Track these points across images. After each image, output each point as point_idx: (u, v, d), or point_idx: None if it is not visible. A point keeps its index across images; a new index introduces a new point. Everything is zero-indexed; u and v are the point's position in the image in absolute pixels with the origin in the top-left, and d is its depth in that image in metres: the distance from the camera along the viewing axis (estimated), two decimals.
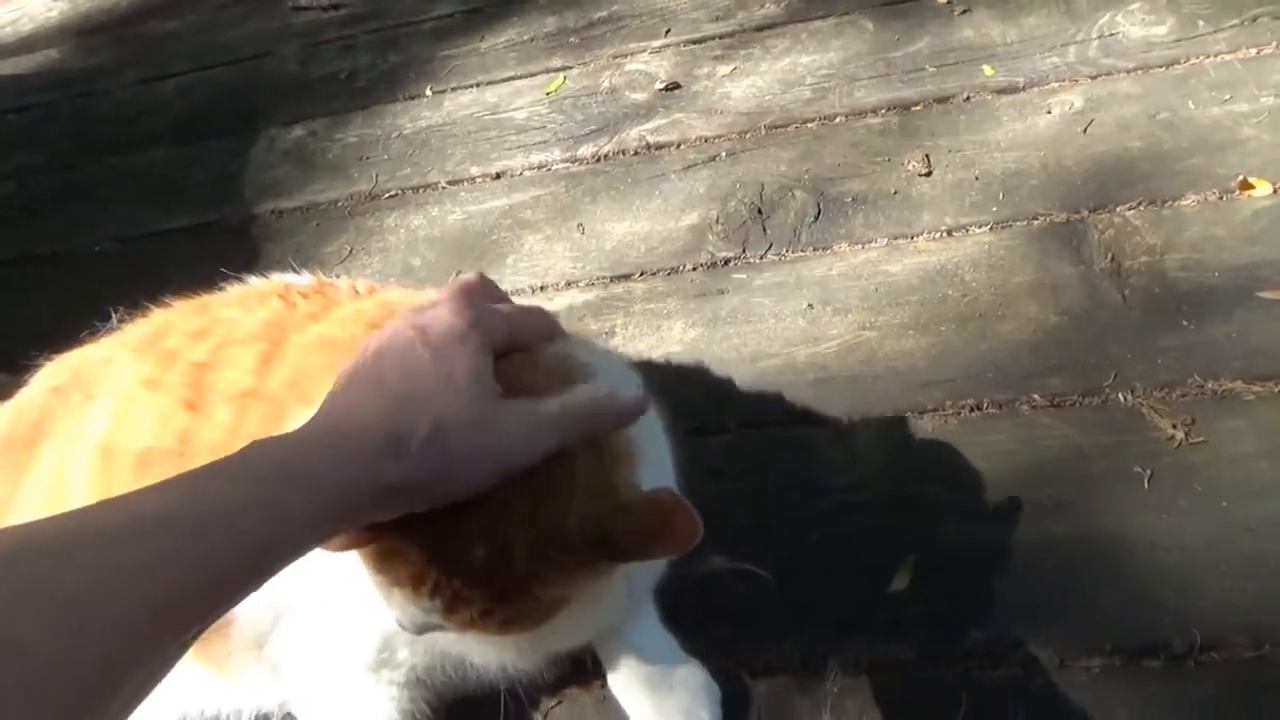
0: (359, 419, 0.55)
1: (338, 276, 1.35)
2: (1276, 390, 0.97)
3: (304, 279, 1.04)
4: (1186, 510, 0.92)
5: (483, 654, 0.79)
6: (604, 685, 0.90)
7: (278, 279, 1.05)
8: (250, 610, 0.82)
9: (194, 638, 0.49)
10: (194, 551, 0.47)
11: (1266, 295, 1.04)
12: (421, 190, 1.51)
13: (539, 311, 0.69)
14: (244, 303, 0.98)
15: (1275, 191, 1.12)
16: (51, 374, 1.00)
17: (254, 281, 1.05)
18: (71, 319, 1.28)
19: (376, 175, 1.55)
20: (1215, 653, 0.84)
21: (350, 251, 1.45)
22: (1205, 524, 0.91)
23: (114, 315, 1.04)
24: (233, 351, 0.89)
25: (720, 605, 0.95)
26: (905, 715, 0.86)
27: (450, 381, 0.55)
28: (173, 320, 0.98)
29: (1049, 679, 0.85)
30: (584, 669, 0.91)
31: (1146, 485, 0.94)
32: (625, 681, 0.88)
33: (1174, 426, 0.97)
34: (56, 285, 1.53)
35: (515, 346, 0.63)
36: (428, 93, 1.67)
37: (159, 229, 1.58)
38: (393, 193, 1.52)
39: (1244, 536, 0.89)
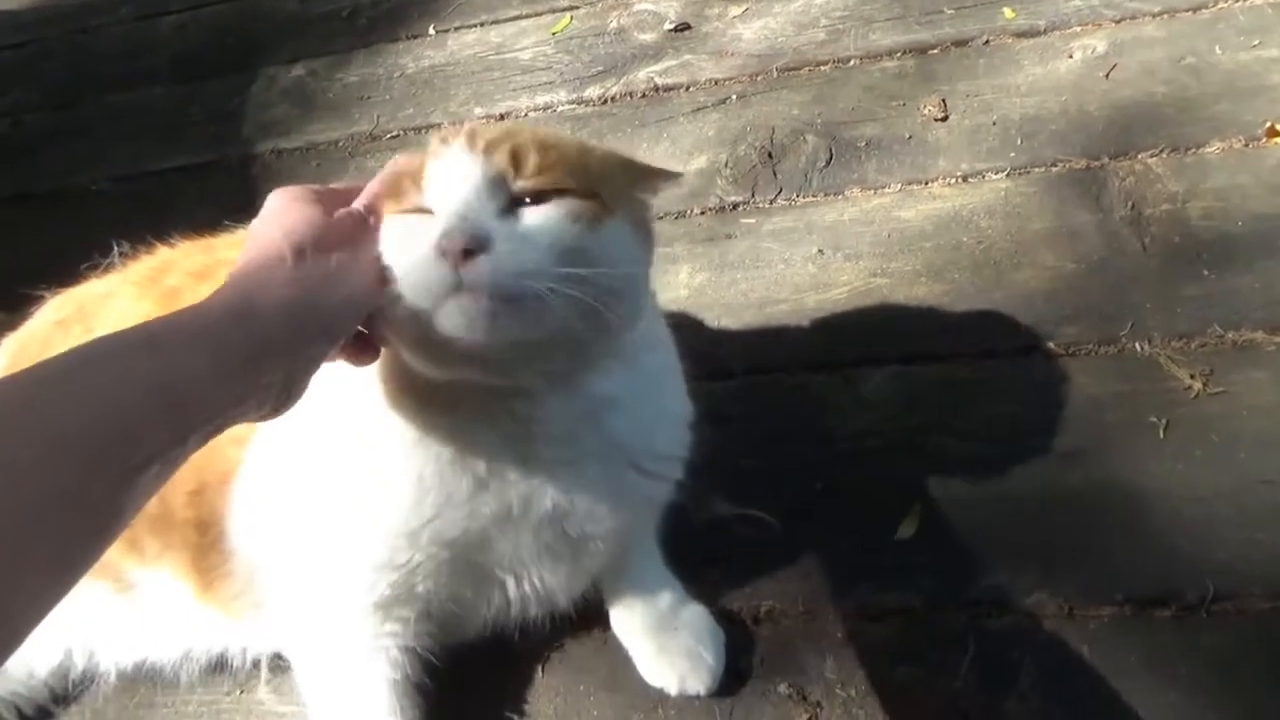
0: (240, 285, 0.57)
1: None
2: None
3: None
4: (1202, 461, 0.90)
5: (516, 561, 0.77)
6: (606, 630, 0.89)
7: None
8: (247, 545, 0.81)
9: (121, 499, 0.49)
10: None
11: None
12: (424, 131, 1.48)
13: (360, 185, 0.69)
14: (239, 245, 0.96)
15: None
16: (56, 307, 0.99)
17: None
18: (72, 258, 1.25)
19: (378, 116, 1.52)
20: (1228, 603, 0.82)
21: None
22: (1221, 475, 0.89)
23: (115, 249, 1.01)
24: None
25: (724, 549, 0.93)
26: (910, 661, 0.84)
27: (293, 221, 0.59)
28: (176, 259, 0.96)
29: (1058, 627, 0.84)
30: (585, 618, 0.89)
31: (1162, 435, 0.92)
32: (629, 623, 0.87)
33: (1192, 376, 0.95)
34: (55, 224, 1.51)
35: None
36: (431, 31, 1.63)
37: (158, 168, 1.55)
38: (395, 133, 1.49)
39: (1261, 488, 0.87)
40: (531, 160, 0.60)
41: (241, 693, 0.94)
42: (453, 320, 0.58)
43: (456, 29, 1.62)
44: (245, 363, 0.55)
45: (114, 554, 0.85)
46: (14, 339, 0.99)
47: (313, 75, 1.64)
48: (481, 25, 1.61)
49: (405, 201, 0.62)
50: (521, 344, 0.61)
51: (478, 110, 1.47)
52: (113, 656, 0.92)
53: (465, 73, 1.54)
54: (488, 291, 0.57)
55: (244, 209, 1.45)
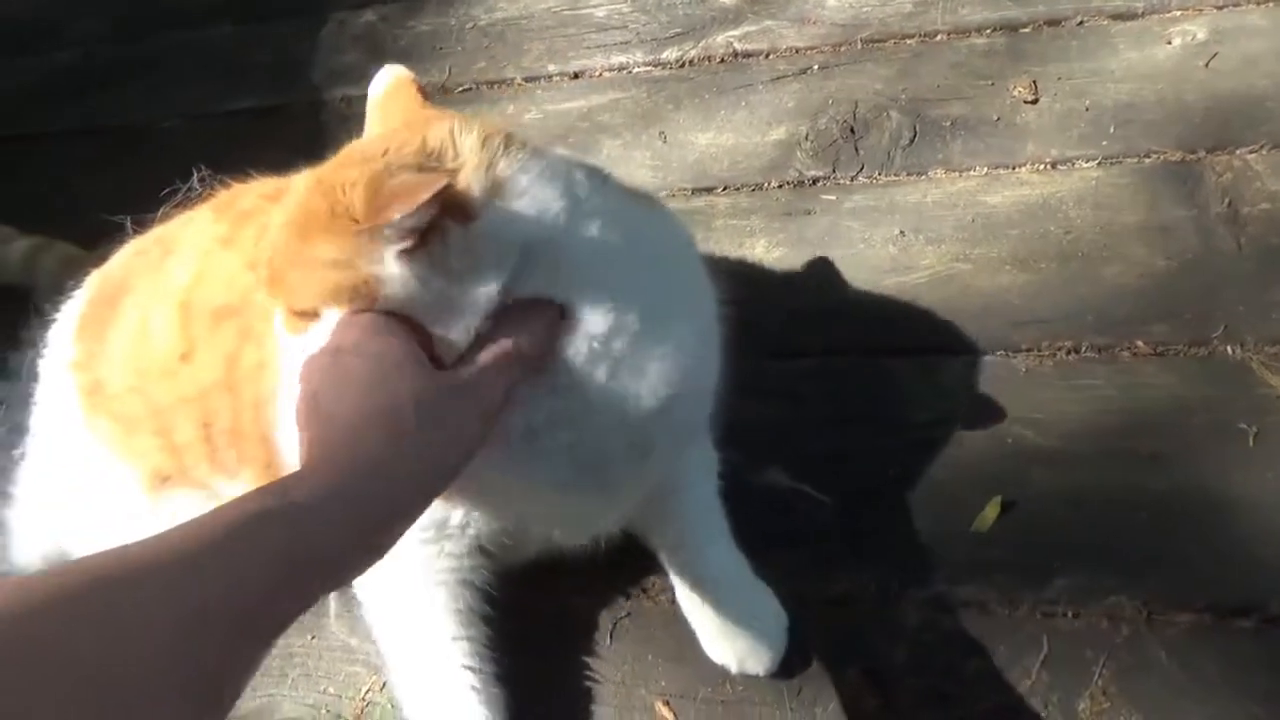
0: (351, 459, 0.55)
1: None
2: None
3: None
4: None
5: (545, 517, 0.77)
6: (674, 602, 0.90)
7: None
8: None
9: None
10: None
11: None
12: (496, 86, 1.46)
13: None
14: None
15: None
16: (136, 244, 1.00)
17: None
18: (147, 194, 1.26)
19: (450, 67, 1.50)
20: None
21: None
22: None
23: (195, 175, 1.01)
24: None
25: (794, 532, 0.93)
26: (982, 655, 0.84)
27: (400, 371, 0.58)
28: (252, 187, 0.97)
29: (1135, 630, 0.83)
30: (653, 587, 0.90)
31: (1251, 443, 0.91)
32: (694, 599, 0.88)
33: None
34: (125, 160, 1.51)
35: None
36: None
37: (226, 109, 1.55)
38: (466, 87, 1.47)
39: None
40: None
41: (313, 638, 0.96)
42: None
43: None
44: (375, 538, 0.55)
45: (203, 470, 0.87)
46: (97, 274, 1.01)
47: (384, 21, 1.61)
48: None
49: None
50: None
51: (551, 67, 1.45)
52: None
53: (539, 27, 1.51)
54: None
55: (313, 155, 1.45)
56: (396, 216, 0.57)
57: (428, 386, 0.58)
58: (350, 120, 1.47)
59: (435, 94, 1.47)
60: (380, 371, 0.57)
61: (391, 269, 0.60)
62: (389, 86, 0.76)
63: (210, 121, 1.54)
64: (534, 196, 0.63)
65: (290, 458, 0.81)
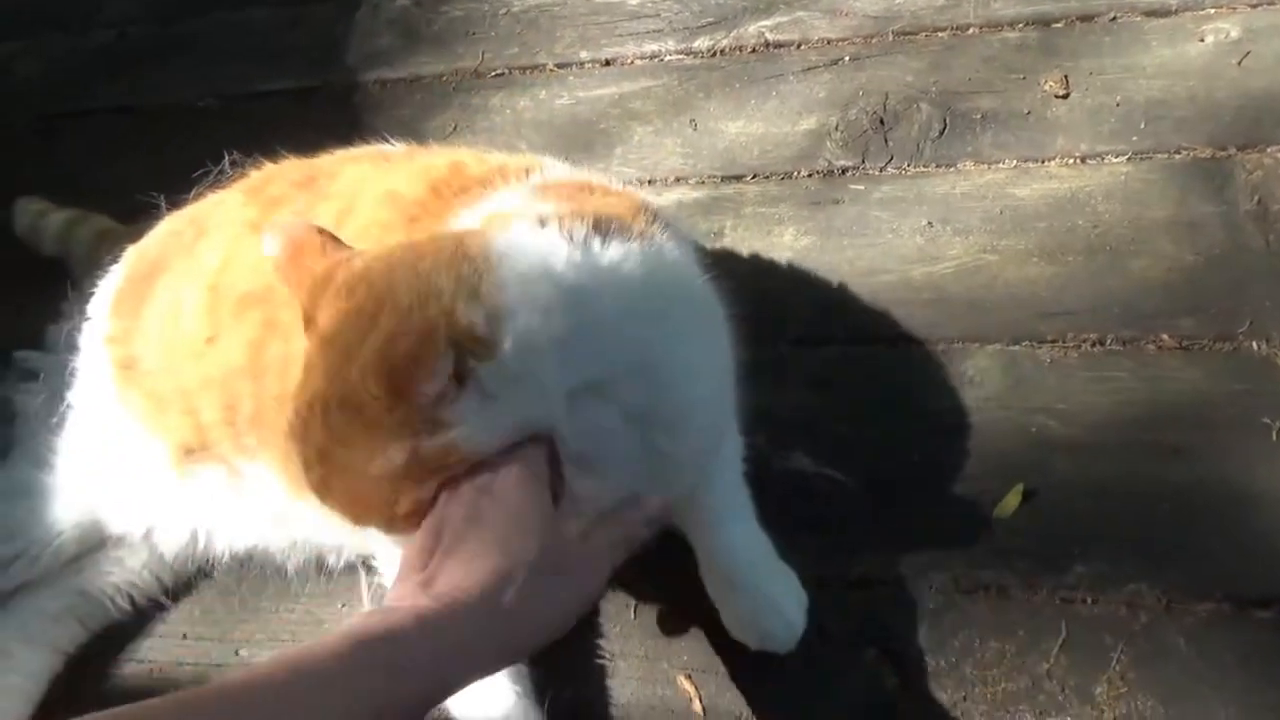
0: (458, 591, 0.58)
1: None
2: None
3: (395, 146, 1.06)
4: None
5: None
6: (696, 579, 0.91)
7: (372, 146, 1.05)
8: None
9: None
10: None
11: None
12: (529, 71, 1.47)
13: None
14: (343, 162, 1.00)
15: None
16: (171, 222, 1.02)
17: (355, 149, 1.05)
18: (182, 172, 1.28)
19: (483, 52, 1.52)
20: None
21: (454, 129, 1.42)
22: None
23: (226, 158, 1.03)
24: (320, 207, 0.91)
25: (817, 516, 0.95)
26: (1001, 637, 0.86)
27: (531, 532, 0.60)
28: (281, 171, 1.00)
29: (1153, 618, 0.84)
30: (675, 564, 0.91)
31: (1274, 437, 0.91)
32: (718, 577, 0.89)
33: None
34: (162, 139, 1.53)
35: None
36: None
37: (262, 89, 1.57)
38: (499, 72, 1.49)
39: None
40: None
41: (343, 606, 0.98)
42: None
43: None
44: (458, 684, 0.59)
45: (226, 446, 0.89)
46: (133, 250, 1.04)
47: (417, 6, 1.63)
48: None
49: None
50: None
51: (583, 54, 1.46)
52: (227, 539, 0.97)
53: (571, 14, 1.53)
54: None
55: (347, 137, 1.47)
56: (424, 386, 0.59)
57: (549, 551, 0.60)
58: (383, 103, 1.50)
59: (468, 78, 1.49)
60: (508, 528, 0.60)
61: (455, 425, 0.61)
62: (290, 246, 0.69)
63: (245, 102, 1.56)
64: (530, 303, 0.63)
65: None
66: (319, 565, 0.97)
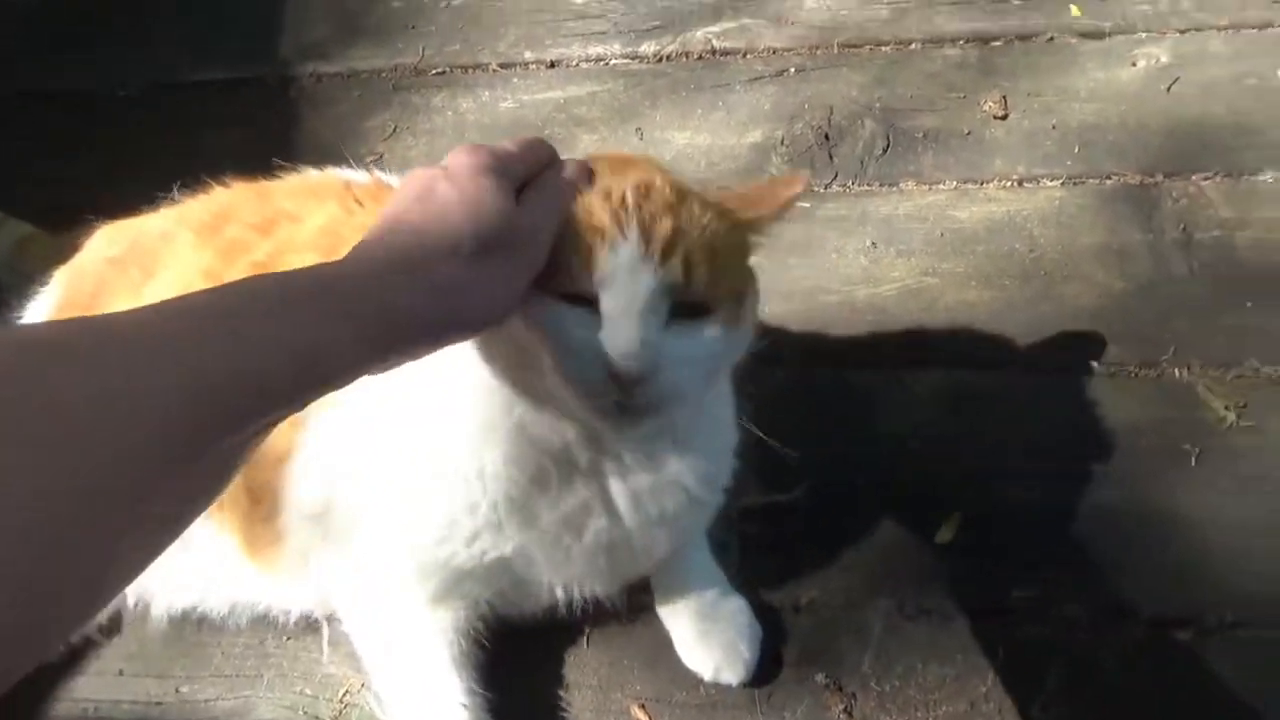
0: (399, 240, 0.55)
1: (381, 161, 1.32)
2: None
3: (362, 176, 1.00)
4: (1230, 492, 0.95)
5: (566, 575, 0.80)
6: (650, 611, 0.93)
7: (337, 174, 1.00)
8: (301, 522, 0.83)
9: (233, 459, 0.47)
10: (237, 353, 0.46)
11: None
12: (471, 71, 1.45)
13: (541, 142, 0.67)
14: (305, 197, 0.94)
15: None
16: (107, 242, 0.97)
17: (312, 173, 1.00)
18: (105, 171, 1.23)
19: (423, 48, 1.48)
20: (1242, 630, 0.88)
21: (394, 130, 1.39)
22: (1248, 507, 0.94)
23: (174, 189, 0.99)
24: (289, 258, 0.86)
25: (767, 540, 0.97)
26: (942, 661, 0.89)
27: (477, 200, 0.57)
28: (235, 205, 0.94)
29: (1085, 640, 0.89)
30: (629, 596, 0.92)
31: (1194, 463, 0.97)
32: (673, 609, 0.91)
33: (1226, 408, 0.99)
34: (89, 127, 1.46)
35: (529, 178, 0.62)
36: None
37: (191, 79, 1.50)
38: (440, 69, 1.45)
39: (1278, 523, 0.92)
40: (701, 272, 0.59)
41: (288, 639, 0.97)
42: (601, 421, 0.61)
43: None
44: (388, 347, 0.53)
45: None
46: (67, 271, 0.98)
47: None
48: None
49: (570, 283, 0.59)
50: None
51: (528, 54, 1.44)
52: (165, 600, 0.94)
53: (515, 10, 1.50)
54: (647, 410, 0.59)
55: (281, 134, 1.43)
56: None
57: (495, 229, 0.56)
58: (319, 99, 1.46)
59: (409, 75, 1.46)
60: (461, 205, 0.56)
61: None
62: None
63: (176, 92, 1.49)
64: None
65: (299, 517, 0.82)
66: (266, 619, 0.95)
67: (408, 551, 0.80)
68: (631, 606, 0.93)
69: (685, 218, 0.60)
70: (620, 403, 0.59)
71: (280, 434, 0.81)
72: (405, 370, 0.76)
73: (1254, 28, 1.27)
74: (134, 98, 1.50)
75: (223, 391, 0.43)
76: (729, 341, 0.63)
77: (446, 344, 0.57)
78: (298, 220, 0.90)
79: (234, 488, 0.82)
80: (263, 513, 0.82)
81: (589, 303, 0.59)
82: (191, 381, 0.42)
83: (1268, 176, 1.14)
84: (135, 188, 1.01)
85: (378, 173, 0.99)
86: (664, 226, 0.59)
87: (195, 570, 0.89)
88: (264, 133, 1.42)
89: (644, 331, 0.58)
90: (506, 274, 0.57)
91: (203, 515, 0.84)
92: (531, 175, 0.61)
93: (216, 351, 0.44)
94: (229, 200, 0.95)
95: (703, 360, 0.61)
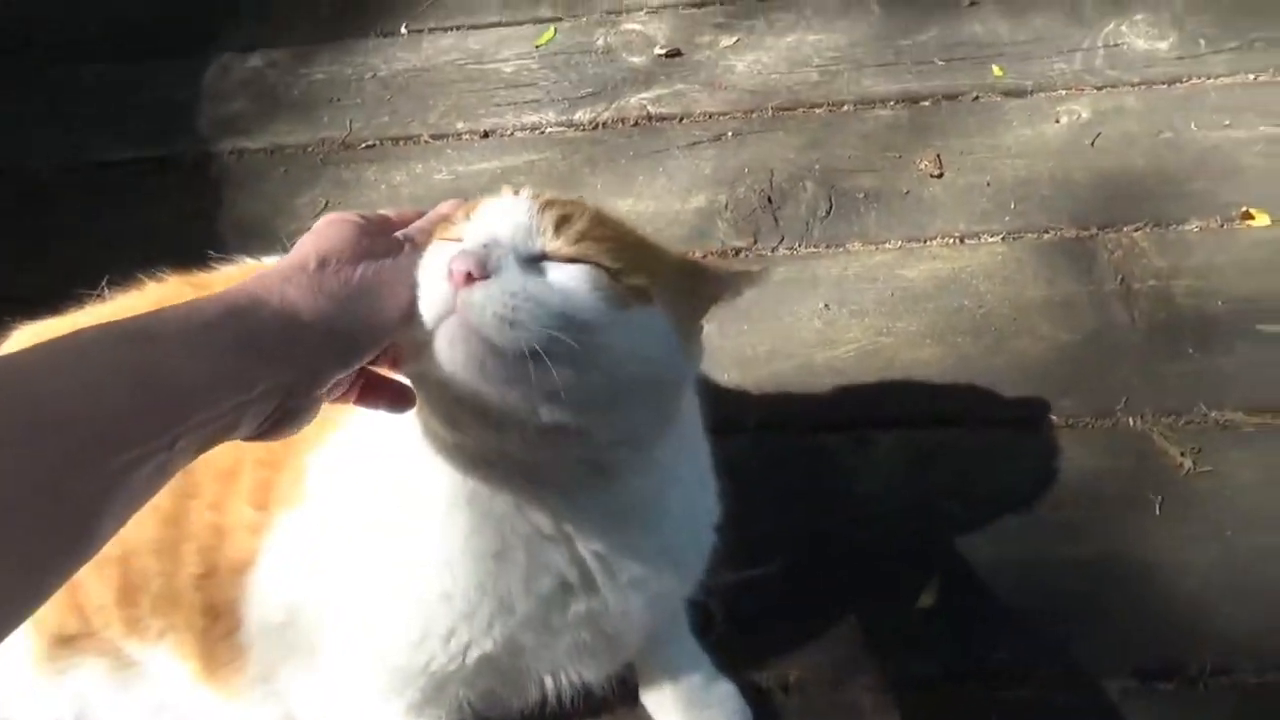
0: (248, 285, 0.55)
1: None
2: (1275, 423, 1.03)
3: None
4: (1195, 537, 0.96)
5: (551, 662, 0.75)
6: (636, 703, 0.89)
7: (273, 260, 0.95)
8: (264, 635, 0.77)
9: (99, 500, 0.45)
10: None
11: (1266, 329, 1.09)
12: (402, 143, 1.41)
13: (426, 210, 0.67)
14: None
15: (1274, 224, 1.17)
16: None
17: (251, 262, 0.95)
18: (19, 256, 1.15)
19: (351, 121, 1.44)
20: (1223, 677, 0.89)
21: (325, 205, 1.35)
22: (1212, 552, 0.95)
23: (103, 287, 0.93)
24: None
25: (750, 618, 0.94)
26: None
27: (328, 233, 0.58)
28: (171, 299, 0.88)
29: (1070, 699, 0.89)
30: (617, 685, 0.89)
31: (1158, 511, 0.98)
32: (660, 700, 0.88)
33: (1182, 454, 1.01)
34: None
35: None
36: (403, 30, 1.56)
37: (106, 158, 1.43)
38: (370, 142, 1.42)
39: (1247, 565, 0.95)
40: (578, 225, 0.58)
41: None
42: (439, 346, 0.55)
43: (431, 30, 1.55)
44: (239, 364, 0.51)
45: (115, 632, 0.79)
46: None
47: (273, 67, 1.54)
48: (459, 29, 1.54)
49: (449, 232, 0.60)
50: (524, 411, 0.57)
51: (460, 124, 1.42)
52: None
53: (444, 80, 1.48)
54: (473, 324, 0.53)
55: (205, 214, 1.37)
56: None
57: (345, 249, 0.57)
58: (243, 176, 1.40)
59: (336, 150, 1.42)
60: (309, 238, 0.58)
61: None
62: None
63: (90, 172, 1.42)
64: None
65: (261, 629, 0.77)
66: None
67: (383, 657, 0.74)
68: (622, 696, 0.89)
69: (584, 204, 0.61)
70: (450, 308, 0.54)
71: (240, 543, 0.76)
72: (367, 464, 0.73)
73: (1163, 84, 1.33)
74: (47, 178, 1.42)
75: (65, 429, 0.43)
76: (596, 309, 0.56)
77: (311, 362, 0.54)
78: None
79: (189, 608, 0.77)
80: (221, 630, 0.76)
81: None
82: (29, 424, 0.42)
83: (1194, 225, 1.18)
84: (47, 276, 0.95)
85: None
86: (550, 196, 0.60)
87: (142, 702, 0.82)
88: (187, 213, 1.36)
89: (489, 240, 0.56)
90: (366, 287, 0.56)
91: (153, 644, 0.78)
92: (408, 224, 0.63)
93: (54, 392, 0.44)
94: (162, 296, 0.90)
95: (556, 301, 0.54)
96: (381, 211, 0.64)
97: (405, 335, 0.57)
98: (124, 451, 0.45)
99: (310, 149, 1.42)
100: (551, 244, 0.57)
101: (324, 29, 1.58)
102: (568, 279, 0.56)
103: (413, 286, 0.57)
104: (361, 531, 0.73)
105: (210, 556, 0.76)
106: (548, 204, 0.59)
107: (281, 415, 0.54)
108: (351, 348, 0.56)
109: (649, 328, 0.60)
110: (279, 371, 0.52)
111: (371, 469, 0.72)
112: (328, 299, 0.55)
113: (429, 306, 0.55)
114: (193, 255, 0.92)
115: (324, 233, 0.58)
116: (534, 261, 0.57)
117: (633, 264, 0.59)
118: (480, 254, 0.54)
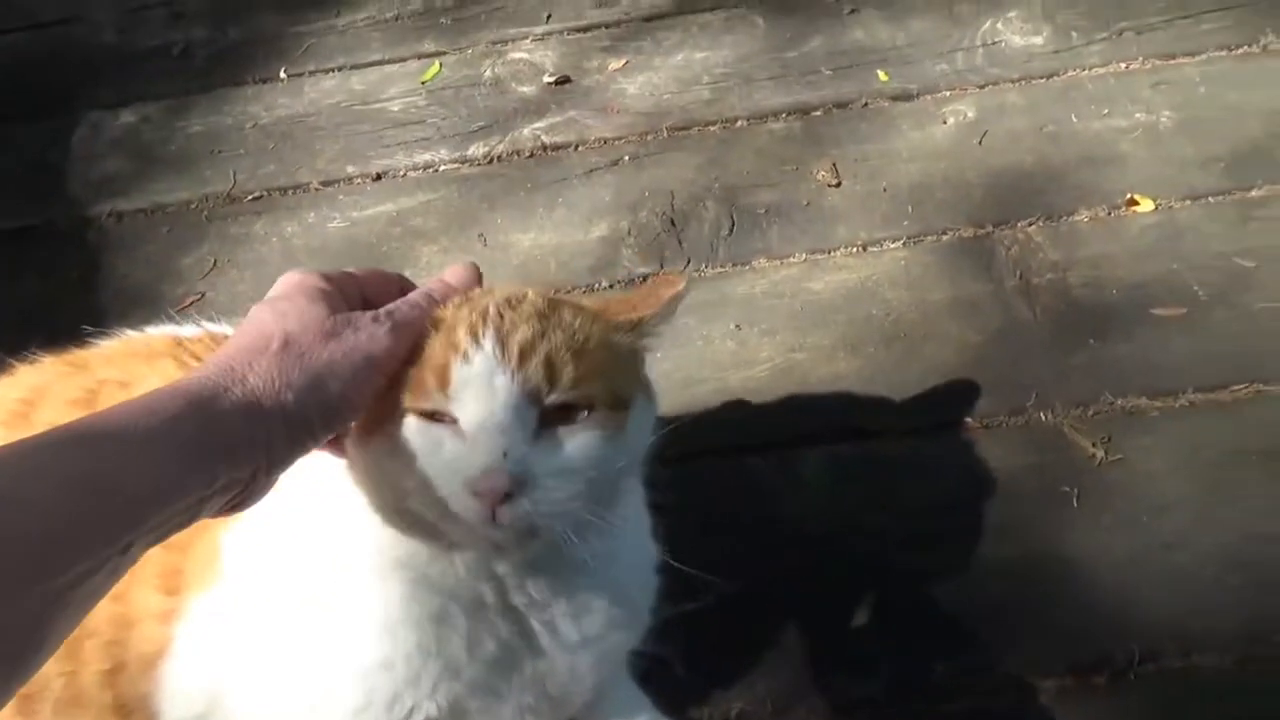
0: (207, 371, 0.53)
1: (204, 300, 1.22)
2: (1176, 406, 1.06)
3: (190, 329, 0.90)
4: (1111, 528, 0.98)
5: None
6: None
7: (162, 331, 0.90)
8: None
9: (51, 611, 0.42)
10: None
11: (1160, 312, 1.12)
12: (291, 192, 1.36)
13: (395, 275, 0.66)
14: (130, 361, 0.84)
15: (1157, 208, 1.21)
16: None
17: (134, 335, 0.90)
18: None
19: (234, 173, 1.39)
20: (1150, 664, 0.90)
21: (215, 264, 1.29)
22: (1129, 540, 0.98)
23: None
24: None
25: (689, 654, 0.93)
26: None
27: (292, 308, 0.55)
28: (47, 384, 0.83)
29: (1011, 704, 0.89)
30: None
31: (1075, 504, 1.00)
32: None
33: (1093, 445, 1.03)
34: None
35: (368, 298, 0.61)
36: (282, 75, 1.50)
37: None
38: (256, 194, 1.37)
39: (1162, 551, 0.97)
40: (567, 373, 0.56)
41: None
42: (476, 542, 0.58)
43: (311, 73, 1.50)
44: (201, 461, 0.48)
45: None
46: None
47: (146, 123, 1.47)
48: (340, 70, 1.50)
49: (426, 400, 0.56)
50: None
51: (350, 168, 1.37)
52: None
53: (329, 124, 1.43)
54: (519, 527, 0.55)
55: (85, 281, 1.30)
56: None
57: (311, 326, 0.55)
58: (124, 239, 1.34)
59: (221, 204, 1.36)
60: (273, 315, 0.55)
61: None
62: None
63: None
64: None
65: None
66: None
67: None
68: None
69: (551, 323, 0.58)
70: (492, 526, 0.55)
71: (149, 633, 0.71)
72: (290, 536, 0.69)
73: (1042, 78, 1.36)
74: None
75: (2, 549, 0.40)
76: (610, 448, 0.58)
77: (273, 449, 0.52)
78: (127, 386, 0.80)
79: (98, 708, 0.72)
80: None
81: (455, 422, 0.56)
82: None
83: (1083, 216, 1.21)
84: None
85: (204, 323, 0.90)
86: (522, 333, 0.57)
87: None
88: (62, 284, 1.29)
89: (506, 444, 0.54)
90: (332, 369, 0.54)
91: None
92: (372, 290, 0.61)
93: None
94: (38, 380, 0.84)
95: (579, 471, 0.57)
96: (346, 270, 0.61)
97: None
98: (72, 566, 0.42)
99: (194, 205, 1.36)
100: (550, 400, 0.56)
101: (197, 80, 1.52)
102: (582, 446, 0.57)
103: (381, 371, 0.56)
104: (290, 606, 0.69)
105: (116, 651, 0.71)
106: (524, 353, 0.56)
107: (238, 501, 0.52)
108: (309, 435, 0.54)
109: (638, 422, 0.62)
110: (237, 464, 0.50)
111: (296, 540, 0.69)
112: (289, 388, 0.53)
113: (456, 521, 0.56)
114: (69, 331, 0.87)
115: (288, 307, 0.55)
116: (539, 428, 0.56)
117: (612, 374, 0.59)
118: (507, 472, 0.54)
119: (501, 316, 0.58)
